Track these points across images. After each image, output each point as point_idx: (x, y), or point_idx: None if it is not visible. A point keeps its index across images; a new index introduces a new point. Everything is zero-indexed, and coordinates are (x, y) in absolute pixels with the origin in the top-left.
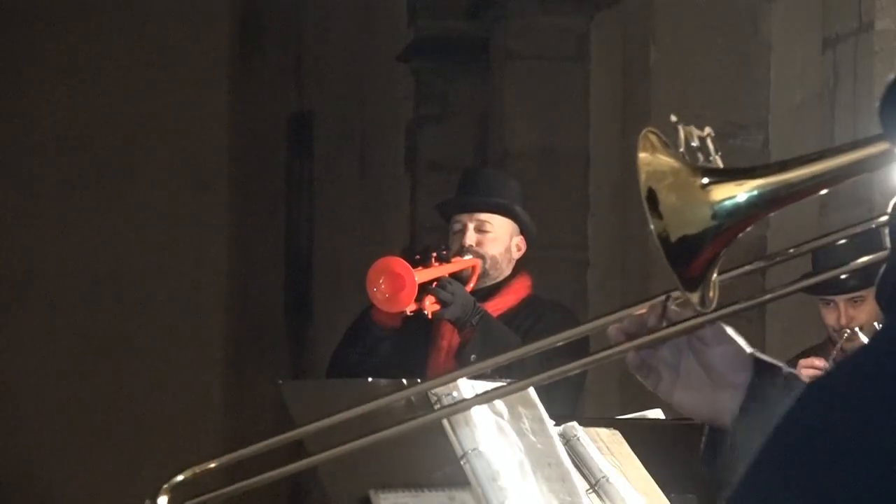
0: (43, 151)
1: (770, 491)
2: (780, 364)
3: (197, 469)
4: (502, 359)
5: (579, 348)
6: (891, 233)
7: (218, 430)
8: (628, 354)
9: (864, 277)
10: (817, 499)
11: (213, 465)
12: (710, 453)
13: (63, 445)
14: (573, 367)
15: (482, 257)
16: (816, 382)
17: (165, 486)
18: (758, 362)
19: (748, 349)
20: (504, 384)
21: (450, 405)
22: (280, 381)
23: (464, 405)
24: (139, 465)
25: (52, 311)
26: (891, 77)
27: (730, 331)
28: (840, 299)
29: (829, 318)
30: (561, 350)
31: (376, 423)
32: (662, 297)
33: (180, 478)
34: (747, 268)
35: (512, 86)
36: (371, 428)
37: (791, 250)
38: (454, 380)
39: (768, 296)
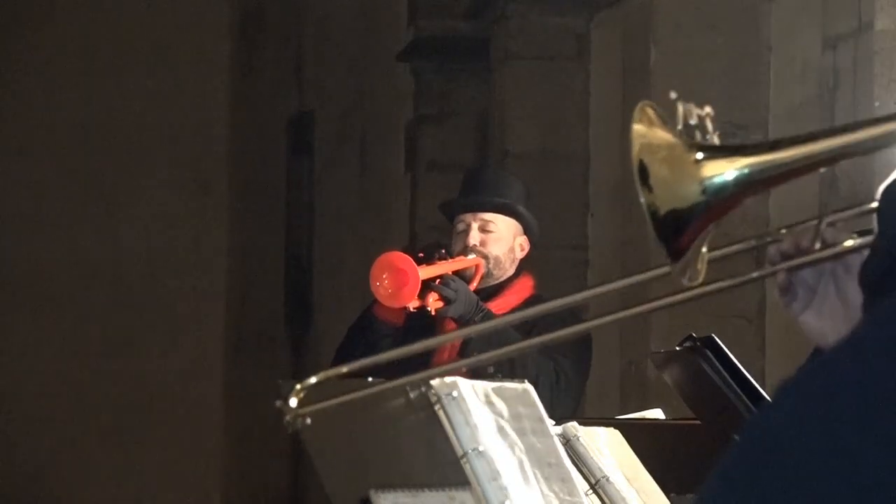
0: (43, 151)
1: (737, 493)
2: None
3: (330, 372)
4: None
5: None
6: (878, 219)
7: (218, 430)
8: (779, 275)
9: None
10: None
11: (344, 370)
12: None
13: (63, 445)
14: (658, 306)
15: (486, 257)
16: (788, 382)
17: (298, 387)
18: None
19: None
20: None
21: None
22: (280, 381)
23: (456, 364)
24: (139, 465)
25: (52, 311)
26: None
27: None
28: None
29: None
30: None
31: (374, 419)
32: (816, 220)
33: (313, 380)
34: (736, 247)
35: (512, 86)
36: (371, 426)
37: (783, 231)
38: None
39: (754, 274)
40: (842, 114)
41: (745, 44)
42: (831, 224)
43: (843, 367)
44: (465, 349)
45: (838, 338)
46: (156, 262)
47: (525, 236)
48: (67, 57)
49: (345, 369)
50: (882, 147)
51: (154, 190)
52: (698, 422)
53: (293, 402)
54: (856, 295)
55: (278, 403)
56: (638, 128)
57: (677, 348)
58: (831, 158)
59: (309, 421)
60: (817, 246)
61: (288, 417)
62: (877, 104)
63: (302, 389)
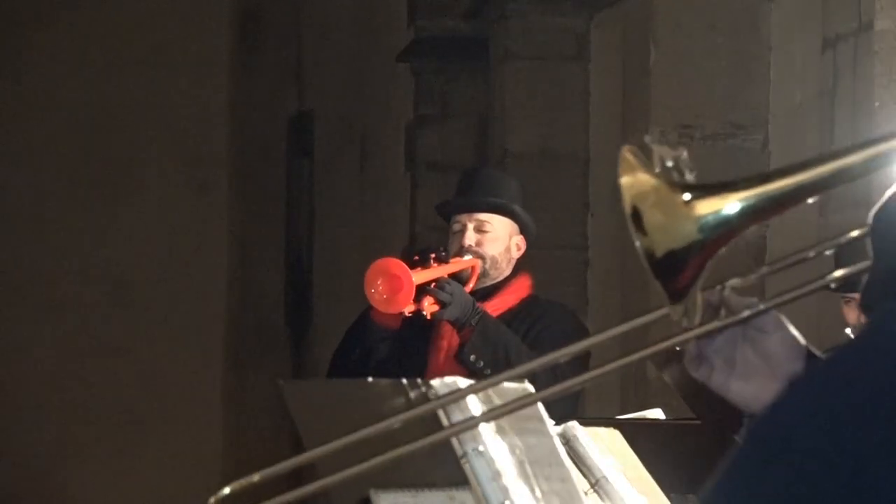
0: (43, 151)
1: (744, 491)
2: None
3: (243, 481)
4: (514, 373)
5: (581, 357)
6: (873, 242)
7: (218, 429)
8: (688, 345)
9: None
10: (791, 501)
11: (256, 479)
12: None
13: (63, 446)
14: (600, 372)
15: (482, 257)
16: (793, 384)
17: (212, 499)
18: (810, 354)
19: (802, 339)
20: (509, 399)
21: (446, 394)
22: (280, 381)
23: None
24: (139, 465)
25: (52, 312)
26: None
27: (784, 319)
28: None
29: (850, 315)
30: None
31: (374, 419)
32: (719, 287)
33: (227, 491)
34: (734, 281)
35: (512, 86)
36: (371, 426)
37: (764, 269)
38: (464, 396)
39: (761, 306)
40: (842, 114)
41: (745, 44)
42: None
43: (848, 369)
44: (461, 351)
45: (771, 396)
46: (156, 262)
47: (521, 236)
48: (67, 57)
49: (256, 477)
50: (875, 169)
51: (154, 190)
52: (698, 422)
53: None
54: (776, 347)
55: None
56: (625, 180)
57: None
58: (825, 186)
59: None
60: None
61: None
62: (877, 104)
63: (217, 502)
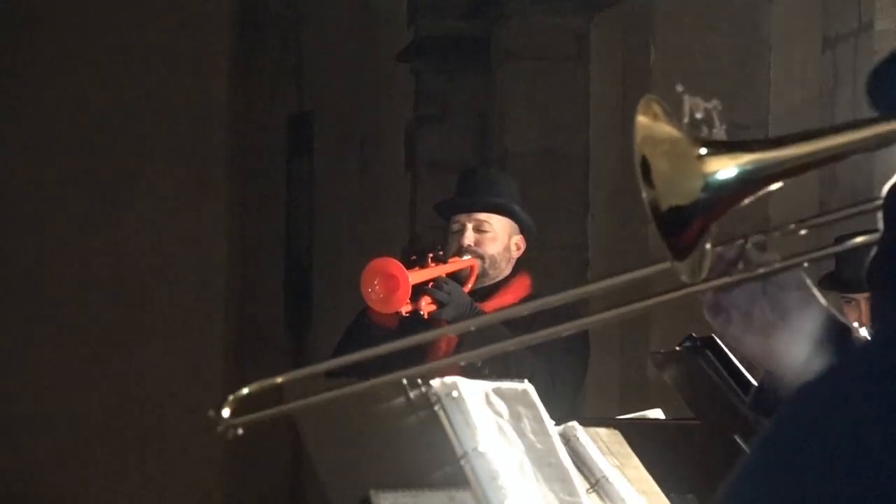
0: (43, 151)
1: (759, 495)
2: (851, 325)
3: (264, 383)
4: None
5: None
6: (885, 216)
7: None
8: (707, 293)
9: None
10: None
11: (279, 380)
12: (760, 397)
13: (63, 446)
14: (620, 313)
15: (481, 257)
16: (807, 387)
17: (231, 397)
18: (831, 316)
19: (823, 301)
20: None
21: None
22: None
23: (454, 359)
24: (139, 465)
25: (52, 311)
26: (882, 57)
27: (806, 279)
28: (861, 297)
29: (851, 316)
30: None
31: (374, 419)
32: (741, 240)
33: (245, 391)
34: (757, 237)
35: (512, 86)
36: (371, 426)
37: (791, 226)
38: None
39: (762, 270)
40: (842, 114)
41: (745, 44)
42: (759, 245)
43: (863, 369)
44: (459, 350)
45: (787, 354)
46: (156, 263)
47: (521, 235)
48: (67, 56)
49: (279, 379)
50: (887, 144)
51: (154, 190)
52: (698, 422)
53: (226, 412)
54: (794, 305)
55: (210, 413)
56: (642, 119)
57: (677, 348)
58: (836, 155)
59: (241, 431)
60: (740, 266)
61: (220, 428)
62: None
63: (235, 400)
